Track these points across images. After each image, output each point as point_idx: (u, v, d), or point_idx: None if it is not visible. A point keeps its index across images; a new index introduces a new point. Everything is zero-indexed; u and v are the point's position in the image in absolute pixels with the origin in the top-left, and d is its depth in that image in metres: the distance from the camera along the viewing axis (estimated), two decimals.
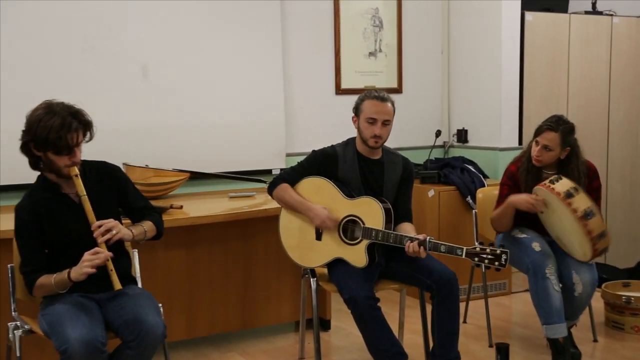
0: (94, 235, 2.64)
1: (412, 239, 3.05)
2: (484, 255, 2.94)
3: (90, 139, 2.71)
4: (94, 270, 2.58)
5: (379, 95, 3.23)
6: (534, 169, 3.59)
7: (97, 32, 4.28)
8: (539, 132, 3.56)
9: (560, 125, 3.51)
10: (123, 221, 2.85)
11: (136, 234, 2.79)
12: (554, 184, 3.37)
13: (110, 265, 2.63)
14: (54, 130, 2.57)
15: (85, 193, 2.67)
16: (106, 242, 2.65)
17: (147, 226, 2.86)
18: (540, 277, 3.43)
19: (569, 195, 3.31)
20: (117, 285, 2.64)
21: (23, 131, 2.64)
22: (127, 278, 2.91)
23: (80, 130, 2.64)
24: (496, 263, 2.92)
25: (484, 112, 5.27)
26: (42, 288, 2.70)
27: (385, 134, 3.25)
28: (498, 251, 2.92)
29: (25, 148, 2.66)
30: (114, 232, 2.66)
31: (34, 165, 2.72)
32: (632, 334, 4.02)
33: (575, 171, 3.55)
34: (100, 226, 2.64)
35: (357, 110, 3.29)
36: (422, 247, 3.02)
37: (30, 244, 2.70)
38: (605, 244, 3.39)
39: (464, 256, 2.97)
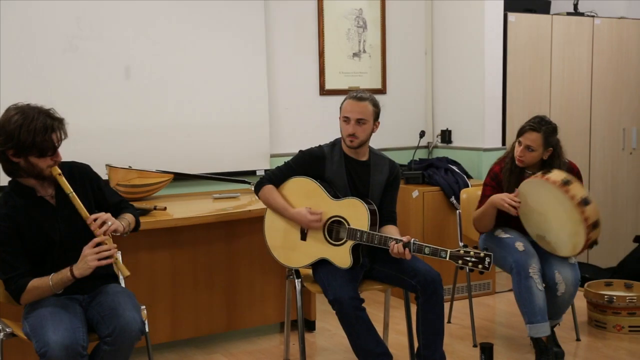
0: (92, 228, 2.64)
1: (396, 241, 3.06)
2: (468, 258, 2.95)
3: (65, 136, 2.69)
4: (101, 263, 2.60)
5: (357, 95, 3.26)
6: (517, 170, 3.62)
7: (80, 32, 4.25)
8: (521, 132, 3.58)
9: (542, 126, 3.53)
10: None
11: (124, 225, 2.80)
12: (547, 174, 3.40)
13: (116, 255, 2.66)
14: (38, 133, 2.55)
15: (72, 190, 2.66)
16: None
17: (130, 219, 2.88)
18: (524, 277, 3.44)
19: (566, 182, 3.34)
20: (126, 271, 2.67)
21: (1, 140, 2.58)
22: (109, 276, 2.91)
23: (59, 129, 2.63)
24: (480, 266, 2.93)
25: (467, 113, 5.28)
26: (34, 291, 2.65)
27: (360, 133, 3.23)
28: (482, 254, 2.93)
29: (1, 157, 2.62)
30: (110, 223, 2.67)
31: (10, 172, 2.68)
32: (615, 332, 4.05)
33: (561, 162, 3.58)
34: (95, 219, 2.65)
35: (340, 111, 3.31)
36: (406, 249, 3.03)
37: (12, 249, 2.66)
38: (597, 235, 3.42)
39: (447, 259, 2.99)
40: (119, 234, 2.75)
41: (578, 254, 3.50)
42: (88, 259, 2.59)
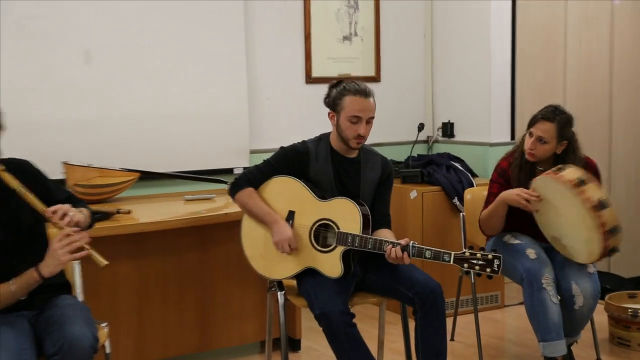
0: (53, 221, 2.62)
1: (393, 244, 3.05)
2: (474, 261, 2.95)
3: (3, 129, 2.68)
4: (74, 256, 2.59)
5: (362, 89, 3.22)
6: (527, 165, 3.62)
7: (30, 10, 4.21)
8: (533, 122, 3.59)
9: (557, 115, 3.54)
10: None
11: (84, 216, 2.79)
12: (560, 172, 3.38)
13: (88, 245, 2.64)
14: None
15: (20, 185, 2.64)
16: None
17: (85, 212, 2.85)
18: (536, 288, 3.44)
19: (581, 182, 3.32)
20: (103, 260, 2.64)
21: None
22: (60, 286, 2.88)
23: None
24: (488, 269, 2.93)
25: (471, 103, 5.29)
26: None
27: (368, 132, 3.26)
28: (490, 256, 2.93)
29: None
30: (71, 214, 2.65)
31: None
32: None
33: (577, 158, 3.59)
34: (54, 212, 2.62)
35: (334, 105, 3.26)
36: (405, 253, 3.02)
37: None
38: (617, 242, 3.39)
39: (452, 262, 2.98)
40: (80, 227, 2.72)
41: (595, 262, 3.48)
42: (58, 254, 2.57)
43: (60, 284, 2.86)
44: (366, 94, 3.22)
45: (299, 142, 3.37)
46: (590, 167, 3.64)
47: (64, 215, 2.63)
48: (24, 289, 2.64)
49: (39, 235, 2.73)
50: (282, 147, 3.38)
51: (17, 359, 2.47)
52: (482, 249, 3.04)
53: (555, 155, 3.60)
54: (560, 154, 3.60)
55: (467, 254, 2.97)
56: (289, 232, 3.22)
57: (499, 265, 2.92)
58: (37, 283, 2.63)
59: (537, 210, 3.48)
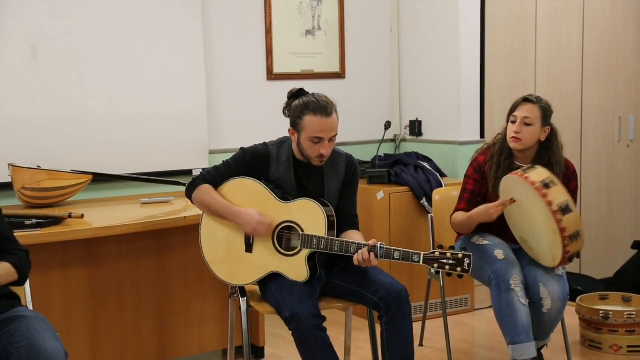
0: None
1: (361, 245, 3.08)
2: (444, 261, 3.00)
3: None
4: None
5: (322, 107, 3.17)
6: (506, 163, 3.65)
7: None
8: (515, 106, 3.64)
9: (538, 99, 3.62)
10: None
11: None
12: (527, 172, 3.43)
13: None
14: None
15: None
16: None
17: (4, 269, 2.73)
18: (504, 289, 3.48)
19: (545, 185, 3.37)
20: None
21: None
22: (10, 296, 2.84)
23: None
24: (458, 269, 2.99)
25: (440, 101, 5.34)
26: None
27: (331, 149, 3.25)
28: (460, 255, 2.98)
29: None
30: None
31: None
32: (612, 353, 4.13)
33: (559, 155, 3.64)
34: None
35: (294, 124, 3.24)
36: (371, 254, 3.06)
37: None
38: (579, 247, 3.46)
39: (421, 262, 3.02)
40: None
41: (558, 266, 3.54)
42: None
43: (10, 293, 2.82)
44: (327, 112, 3.16)
45: (260, 144, 3.36)
46: (569, 170, 3.70)
47: None
48: None
49: None
50: (242, 149, 3.38)
51: None
52: (452, 247, 3.08)
53: (540, 143, 3.65)
54: (544, 141, 3.64)
55: (436, 253, 3.01)
56: (257, 215, 3.21)
57: (469, 264, 2.97)
58: None
59: (510, 203, 3.50)
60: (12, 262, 2.78)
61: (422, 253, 3.02)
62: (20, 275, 2.81)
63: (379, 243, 3.08)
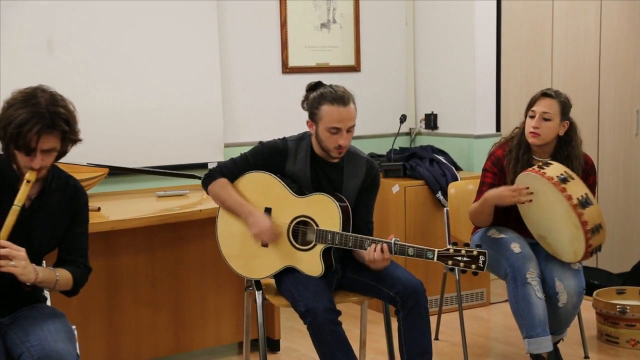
0: None
1: (376, 242, 3.08)
2: (459, 258, 2.99)
3: (65, 148, 2.68)
4: None
5: (339, 97, 3.16)
6: (525, 157, 3.64)
7: None
8: (533, 101, 3.63)
9: (557, 94, 3.60)
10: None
11: (41, 279, 2.65)
12: (543, 168, 3.42)
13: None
14: (14, 122, 2.53)
15: (21, 204, 2.60)
16: None
17: (63, 277, 2.74)
18: (520, 283, 3.49)
19: (563, 180, 3.36)
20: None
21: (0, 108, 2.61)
22: (35, 296, 2.86)
23: (46, 135, 2.57)
24: (473, 266, 2.98)
25: (455, 94, 5.33)
26: None
27: (350, 140, 3.24)
28: (475, 252, 2.98)
29: None
30: (12, 263, 2.55)
31: (3, 148, 2.66)
32: (628, 348, 4.12)
33: (578, 150, 3.63)
34: (4, 247, 2.54)
35: (312, 115, 3.23)
36: (385, 248, 3.06)
37: None
38: (600, 240, 3.45)
39: (435, 259, 3.02)
40: (24, 281, 2.62)
41: (580, 261, 3.54)
42: None
43: (32, 293, 2.82)
44: (344, 101, 3.16)
45: (279, 139, 3.37)
46: (587, 164, 3.69)
47: (6, 258, 2.54)
48: None
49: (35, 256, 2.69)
50: (260, 142, 3.38)
51: None
52: (467, 244, 3.07)
53: (558, 138, 3.64)
54: (562, 135, 3.64)
55: (451, 250, 3.00)
56: (267, 222, 3.23)
57: (484, 262, 2.96)
58: None
59: (530, 200, 3.49)
60: (73, 273, 2.79)
61: (436, 250, 3.02)
62: (74, 289, 2.83)
63: (394, 239, 3.08)
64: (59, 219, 2.79)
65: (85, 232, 2.90)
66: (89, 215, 2.92)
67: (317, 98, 3.20)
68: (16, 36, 4.28)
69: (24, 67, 4.31)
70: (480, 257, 2.97)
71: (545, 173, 3.39)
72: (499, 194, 3.53)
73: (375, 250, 3.07)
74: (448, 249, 3.02)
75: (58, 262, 2.83)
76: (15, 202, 2.59)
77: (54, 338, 2.60)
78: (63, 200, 2.79)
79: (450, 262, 3.00)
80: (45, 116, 2.55)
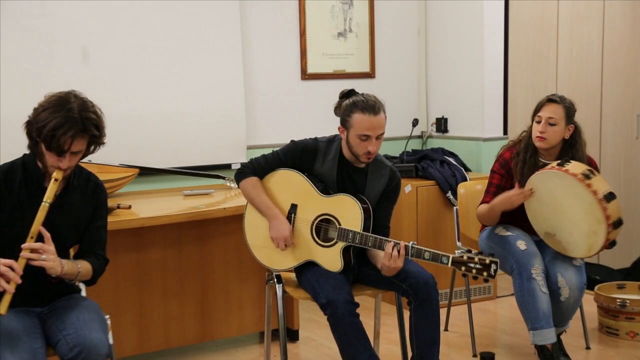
0: (22, 245, 2.58)
1: (395, 243, 3.09)
2: (472, 265, 3.00)
3: (93, 150, 2.72)
4: None
5: (370, 106, 3.16)
6: (532, 160, 3.64)
7: (30, 9, 4.25)
8: (539, 107, 3.63)
9: (562, 99, 3.60)
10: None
11: (65, 271, 2.68)
12: (565, 166, 3.40)
13: (13, 289, 2.52)
14: (49, 125, 2.56)
15: (50, 201, 2.63)
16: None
17: (83, 269, 2.78)
18: (526, 278, 3.50)
19: (586, 176, 3.35)
20: (3, 310, 2.49)
21: (34, 109, 2.64)
22: (71, 286, 2.90)
23: (77, 139, 2.61)
24: (485, 274, 2.98)
25: (465, 99, 5.32)
26: None
27: (379, 147, 3.24)
28: (487, 260, 2.98)
29: (27, 127, 2.65)
30: (43, 257, 2.59)
31: (31, 147, 2.70)
32: (628, 340, 4.12)
33: (582, 152, 3.63)
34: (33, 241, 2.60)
35: (344, 122, 3.24)
36: (400, 251, 3.07)
37: None
38: (617, 235, 3.45)
39: (449, 265, 3.03)
40: (51, 274, 2.66)
41: (594, 254, 3.52)
42: None
43: (69, 286, 2.87)
44: (375, 110, 3.15)
45: (311, 138, 3.37)
46: (591, 165, 3.66)
47: (35, 251, 2.59)
48: None
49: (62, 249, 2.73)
50: (292, 141, 3.38)
51: (32, 358, 2.51)
52: (480, 252, 3.05)
53: (564, 141, 3.64)
54: (568, 139, 3.63)
55: (464, 257, 3.00)
56: (287, 230, 3.26)
57: (495, 270, 2.96)
58: None
59: (530, 194, 3.49)
60: (92, 264, 2.83)
61: (451, 256, 3.02)
62: (93, 278, 2.87)
63: (411, 242, 3.09)
64: (81, 213, 2.82)
65: (104, 225, 2.93)
66: (107, 209, 2.95)
67: (350, 106, 3.20)
68: (53, 45, 4.32)
69: (60, 75, 4.33)
70: (492, 265, 2.97)
71: (568, 170, 3.38)
72: (507, 199, 3.54)
73: (392, 250, 3.08)
74: (462, 256, 3.01)
75: (79, 254, 2.86)
76: (45, 199, 2.62)
77: (88, 327, 2.63)
78: (85, 196, 2.82)
79: (463, 269, 3.01)
80: (78, 121, 2.59)
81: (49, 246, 2.62)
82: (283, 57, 5.14)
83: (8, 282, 2.51)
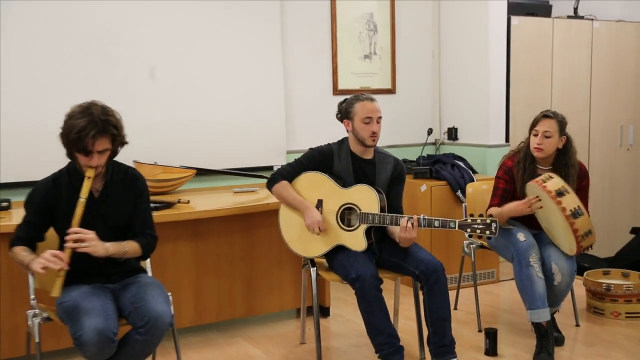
0: (66, 237, 2.61)
1: (408, 217, 3.11)
2: (476, 226, 3.02)
3: (116, 148, 2.72)
4: (43, 271, 2.55)
5: (367, 96, 3.31)
6: (531, 167, 3.61)
7: (110, 37, 4.31)
8: (535, 122, 3.58)
9: (555, 114, 3.57)
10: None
11: (112, 252, 2.71)
12: (546, 182, 3.39)
13: (62, 274, 2.58)
14: (75, 130, 2.59)
15: (86, 197, 2.65)
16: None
17: (130, 247, 2.80)
18: (525, 265, 3.46)
19: (559, 194, 3.33)
20: (56, 292, 2.57)
21: (64, 121, 2.67)
22: (137, 269, 2.94)
23: (100, 138, 2.62)
24: (487, 232, 3.00)
25: (473, 111, 5.30)
26: (14, 255, 2.73)
27: (379, 129, 3.30)
28: (488, 220, 3.00)
29: (61, 138, 2.68)
30: (85, 244, 2.62)
31: (68, 155, 2.73)
32: (612, 318, 4.07)
33: (574, 159, 3.59)
34: (76, 232, 2.62)
35: (347, 114, 3.30)
36: (414, 223, 3.09)
37: (33, 219, 2.73)
38: (591, 242, 3.43)
39: (457, 228, 3.03)
40: (95, 255, 2.68)
41: (575, 255, 3.50)
42: (38, 261, 2.56)
43: (137, 268, 2.92)
44: (372, 99, 3.30)
45: (324, 145, 3.41)
46: (581, 170, 3.65)
47: (79, 241, 2.61)
48: (22, 264, 2.66)
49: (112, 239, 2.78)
50: (310, 149, 3.43)
51: (105, 322, 2.54)
52: (481, 214, 3.05)
53: (558, 150, 3.60)
54: (561, 148, 3.59)
55: (469, 220, 3.02)
56: (319, 216, 3.27)
57: (496, 228, 2.98)
58: (25, 267, 2.64)
59: (540, 207, 3.46)
60: (140, 242, 2.85)
61: (457, 220, 3.04)
62: (143, 254, 2.88)
63: (422, 215, 3.12)
64: (124, 202, 2.82)
65: (148, 207, 2.93)
66: (148, 194, 2.93)
67: (350, 100, 3.33)
68: (125, 65, 4.36)
69: (131, 90, 4.38)
70: (493, 224, 2.99)
71: (545, 186, 3.37)
72: (515, 209, 3.51)
73: (407, 223, 3.08)
74: (466, 219, 3.04)
75: (131, 235, 2.87)
76: (81, 196, 2.65)
77: (155, 301, 2.66)
78: (125, 187, 2.83)
79: (468, 230, 3.02)
80: (99, 123, 2.61)
81: (87, 235, 2.63)
82: (317, 75, 5.14)
83: (58, 270, 2.55)
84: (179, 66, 4.54)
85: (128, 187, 2.84)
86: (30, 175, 3.76)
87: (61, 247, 2.70)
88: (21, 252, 2.71)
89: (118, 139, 2.71)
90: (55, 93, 4.11)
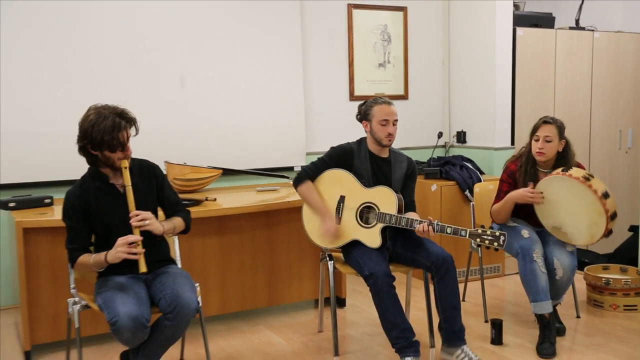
0: (130, 221, 2.66)
1: (421, 222, 3.09)
2: (485, 237, 2.98)
3: (137, 133, 2.75)
4: (128, 257, 2.60)
5: (385, 100, 3.31)
6: (532, 170, 3.58)
7: (142, 46, 4.33)
8: (536, 128, 3.55)
9: (554, 120, 3.54)
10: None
11: (166, 229, 2.80)
12: (568, 171, 3.35)
13: (141, 251, 2.63)
14: (107, 132, 2.61)
15: (130, 184, 2.70)
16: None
17: (177, 222, 2.89)
18: (529, 260, 3.43)
19: (586, 178, 3.30)
20: (143, 268, 2.63)
21: (78, 136, 2.68)
22: (167, 260, 2.96)
23: (128, 127, 2.68)
24: (495, 244, 2.96)
25: (480, 116, 5.27)
26: (81, 266, 2.73)
27: (395, 131, 3.31)
28: (497, 233, 2.96)
29: (83, 150, 2.70)
30: (147, 222, 2.69)
31: (91, 162, 2.76)
32: (611, 311, 4.02)
33: (573, 161, 3.56)
34: (137, 215, 2.67)
35: (366, 116, 3.30)
36: (430, 227, 3.06)
37: (76, 225, 2.73)
38: (613, 225, 3.37)
39: (467, 237, 3.00)
40: (157, 233, 2.74)
41: (595, 242, 3.44)
42: (119, 250, 2.60)
43: (166, 259, 2.94)
44: (389, 103, 3.31)
45: (345, 143, 3.40)
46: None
47: (143, 220, 2.67)
48: (96, 265, 2.68)
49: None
50: (332, 147, 3.40)
51: (138, 309, 2.57)
52: (491, 227, 3.03)
53: (558, 153, 3.57)
54: (561, 151, 3.56)
55: (479, 230, 2.99)
56: (333, 227, 3.26)
57: (504, 241, 2.95)
58: (103, 265, 2.66)
59: (542, 201, 3.43)
60: (182, 217, 2.93)
61: (469, 229, 3.01)
62: (186, 227, 2.95)
63: (436, 221, 3.08)
64: (148, 190, 2.84)
65: (171, 187, 2.97)
66: (164, 174, 2.95)
67: (370, 103, 3.34)
68: (158, 74, 4.39)
69: (164, 97, 4.41)
70: (501, 237, 2.96)
71: (571, 175, 3.33)
72: (520, 195, 3.49)
73: (426, 227, 3.07)
74: (477, 230, 3.00)
75: (168, 216, 2.92)
76: (126, 184, 2.69)
77: (183, 289, 2.68)
78: (143, 176, 2.84)
79: (478, 240, 2.99)
80: (119, 116, 2.65)
81: (146, 214, 2.69)
82: (335, 82, 5.14)
83: (136, 253, 2.61)
84: (207, 75, 4.56)
85: (146, 176, 2.87)
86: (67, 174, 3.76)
87: (97, 249, 2.74)
88: (86, 260, 2.71)
89: (135, 125, 2.74)
90: (88, 99, 4.13)
